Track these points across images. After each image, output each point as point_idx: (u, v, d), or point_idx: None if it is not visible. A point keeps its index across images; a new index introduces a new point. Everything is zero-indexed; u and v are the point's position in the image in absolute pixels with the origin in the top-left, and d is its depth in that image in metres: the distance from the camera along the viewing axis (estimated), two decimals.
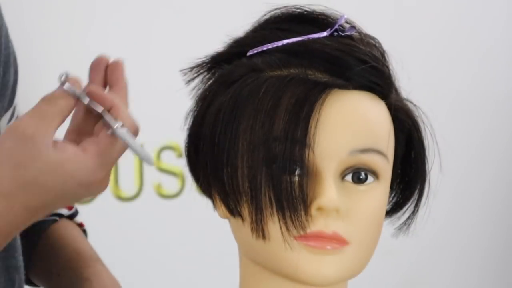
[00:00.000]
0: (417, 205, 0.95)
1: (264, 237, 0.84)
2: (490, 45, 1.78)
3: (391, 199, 0.95)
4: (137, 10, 1.54)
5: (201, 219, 1.31)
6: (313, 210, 0.83)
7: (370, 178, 0.86)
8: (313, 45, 0.86)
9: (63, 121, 0.87)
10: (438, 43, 1.74)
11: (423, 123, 0.93)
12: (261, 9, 0.92)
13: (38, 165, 0.82)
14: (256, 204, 0.83)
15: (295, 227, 0.83)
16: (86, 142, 0.86)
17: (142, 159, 0.87)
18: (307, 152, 0.83)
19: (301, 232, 0.83)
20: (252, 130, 0.84)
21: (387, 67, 0.90)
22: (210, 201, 0.92)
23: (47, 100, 0.86)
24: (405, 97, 0.92)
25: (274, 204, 0.83)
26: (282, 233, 0.83)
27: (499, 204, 1.82)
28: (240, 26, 0.93)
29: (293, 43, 0.87)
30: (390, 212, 0.96)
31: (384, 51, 0.91)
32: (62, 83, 0.87)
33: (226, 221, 0.91)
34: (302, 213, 0.83)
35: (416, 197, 0.94)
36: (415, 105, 0.93)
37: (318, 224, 0.83)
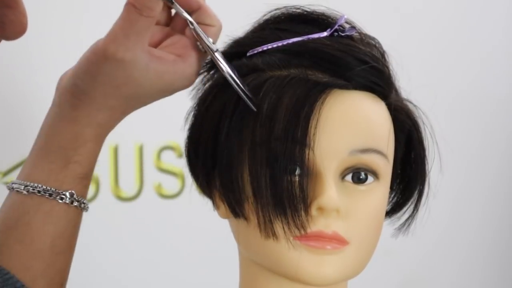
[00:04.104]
0: (417, 205, 0.95)
1: (275, 236, 0.84)
2: (490, 45, 1.78)
3: (391, 199, 0.95)
4: None
5: (201, 219, 1.31)
6: (313, 210, 0.83)
7: (370, 178, 0.86)
8: (313, 45, 0.86)
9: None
10: (438, 43, 1.73)
11: (423, 123, 0.93)
12: (261, 9, 0.92)
13: (138, 82, 0.85)
14: (261, 204, 0.83)
15: (295, 227, 0.83)
16: (184, 48, 0.88)
17: (227, 76, 0.86)
18: (307, 152, 0.83)
19: (302, 232, 0.83)
20: (253, 130, 0.84)
21: (387, 67, 0.90)
22: (210, 201, 0.92)
23: (139, 8, 0.84)
24: (405, 97, 0.92)
25: (274, 204, 0.83)
26: (282, 233, 0.83)
27: (499, 204, 1.81)
28: (240, 27, 0.93)
29: (293, 43, 0.87)
30: (390, 212, 0.96)
31: (384, 51, 0.91)
32: None
33: (226, 221, 0.91)
34: (303, 213, 0.83)
35: (416, 197, 0.94)
36: (415, 106, 0.93)
37: (318, 224, 0.83)
